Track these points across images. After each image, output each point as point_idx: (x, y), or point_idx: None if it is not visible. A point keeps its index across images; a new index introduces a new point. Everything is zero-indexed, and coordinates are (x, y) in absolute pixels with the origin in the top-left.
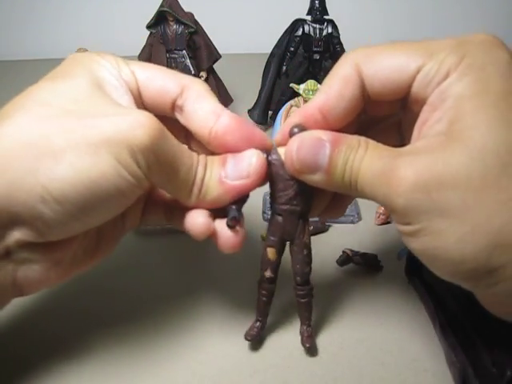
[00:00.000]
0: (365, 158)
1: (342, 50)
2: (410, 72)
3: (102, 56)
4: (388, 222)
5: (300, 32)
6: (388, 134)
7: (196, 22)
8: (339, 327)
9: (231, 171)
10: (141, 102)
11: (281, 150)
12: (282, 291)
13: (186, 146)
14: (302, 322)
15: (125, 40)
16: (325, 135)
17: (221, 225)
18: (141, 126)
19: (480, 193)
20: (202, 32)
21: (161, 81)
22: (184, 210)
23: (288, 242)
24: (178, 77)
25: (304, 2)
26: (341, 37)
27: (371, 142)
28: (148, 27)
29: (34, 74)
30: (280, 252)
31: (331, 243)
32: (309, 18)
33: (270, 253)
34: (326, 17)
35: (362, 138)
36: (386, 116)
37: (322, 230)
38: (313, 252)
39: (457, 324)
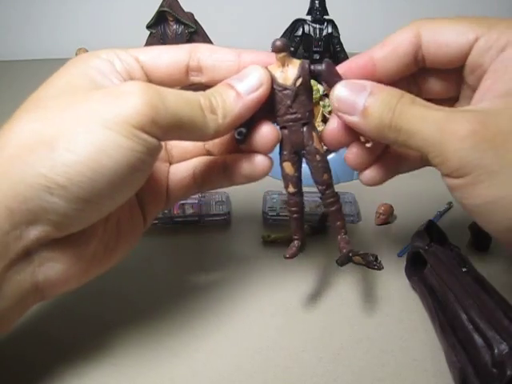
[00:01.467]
0: (410, 105)
1: (342, 50)
2: (468, 40)
3: (98, 54)
4: (388, 222)
5: (300, 32)
6: None
7: (196, 22)
8: (339, 327)
9: (242, 87)
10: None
11: (270, 67)
12: (281, 291)
13: (184, 91)
14: (338, 231)
15: (125, 40)
16: (367, 82)
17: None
18: (132, 94)
19: None
20: (201, 32)
21: (167, 54)
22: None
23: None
24: (181, 45)
25: (304, 2)
26: (341, 37)
27: (418, 98)
28: (148, 27)
29: (34, 74)
30: (296, 165)
31: (331, 243)
32: (309, 18)
33: (287, 167)
34: (326, 17)
35: (407, 93)
36: (441, 90)
37: (322, 229)
38: (313, 252)
39: (457, 324)
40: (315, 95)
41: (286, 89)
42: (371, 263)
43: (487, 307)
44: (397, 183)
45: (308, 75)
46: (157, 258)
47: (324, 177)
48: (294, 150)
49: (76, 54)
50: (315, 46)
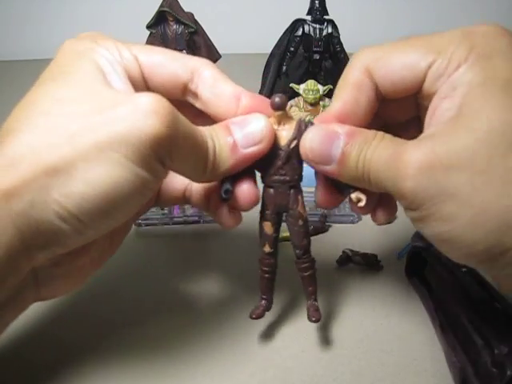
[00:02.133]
0: (377, 148)
1: (342, 50)
2: (420, 70)
3: (100, 43)
4: (388, 222)
5: (300, 32)
6: (408, 131)
7: (196, 22)
8: (339, 327)
9: (241, 138)
10: (145, 87)
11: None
12: (281, 291)
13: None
14: (308, 296)
15: (125, 40)
16: (340, 128)
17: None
18: (152, 114)
19: (487, 174)
20: (201, 32)
21: (168, 68)
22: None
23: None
24: (186, 60)
25: (304, 2)
26: (341, 37)
27: (388, 135)
28: (148, 27)
29: (34, 74)
30: (276, 225)
31: (331, 243)
32: (309, 17)
33: (266, 227)
34: (326, 17)
35: (379, 132)
36: (403, 114)
37: (322, 229)
38: (313, 252)
39: (457, 324)
40: (315, 95)
41: (279, 149)
42: (371, 263)
43: (487, 307)
44: None
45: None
46: (157, 258)
47: (303, 242)
48: (277, 210)
49: None
50: (315, 46)
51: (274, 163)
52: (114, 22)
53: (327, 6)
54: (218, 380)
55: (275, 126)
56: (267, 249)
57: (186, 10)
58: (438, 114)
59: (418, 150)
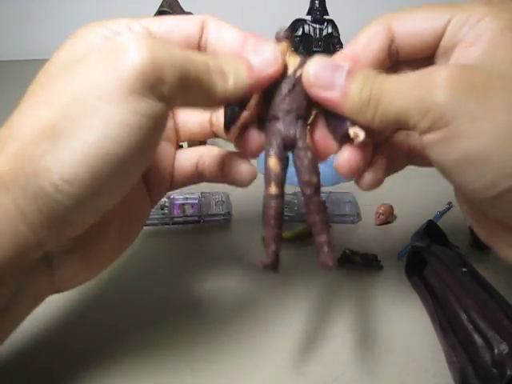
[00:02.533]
0: (388, 78)
1: None
2: (441, 22)
3: (106, 23)
4: (388, 222)
5: (300, 32)
6: None
7: None
8: (339, 327)
9: (257, 61)
10: None
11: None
12: (281, 290)
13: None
14: (321, 248)
15: None
16: (343, 62)
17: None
18: (132, 50)
19: None
20: None
21: (179, 28)
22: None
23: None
24: (194, 18)
25: (304, 2)
26: (341, 37)
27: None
28: None
29: (34, 74)
30: (283, 162)
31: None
32: (309, 18)
33: (272, 162)
34: (326, 17)
35: (382, 72)
36: None
37: None
38: (313, 252)
39: (457, 324)
40: None
41: (285, 77)
42: (371, 263)
43: (487, 307)
44: (397, 183)
45: None
46: (157, 258)
47: (313, 179)
48: (283, 144)
49: None
50: (315, 46)
51: (281, 91)
52: None
53: (327, 6)
54: (218, 379)
55: None
56: (273, 190)
57: (185, 9)
58: (464, 54)
59: (455, 67)
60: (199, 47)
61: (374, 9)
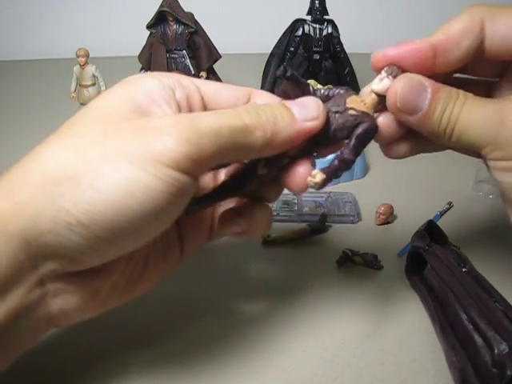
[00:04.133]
0: (466, 105)
1: (342, 50)
2: None
3: (155, 75)
4: (388, 222)
5: (300, 32)
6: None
7: (196, 22)
8: (339, 327)
9: (299, 113)
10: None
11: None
12: (281, 292)
13: (224, 110)
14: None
15: (125, 40)
16: (426, 81)
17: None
18: (165, 132)
19: None
20: (202, 32)
21: (227, 92)
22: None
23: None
24: (242, 88)
25: (304, 2)
26: (341, 37)
27: (470, 94)
28: (148, 27)
29: (34, 74)
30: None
31: (331, 243)
32: (309, 17)
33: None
34: (326, 17)
35: (461, 91)
36: (484, 74)
37: (322, 230)
38: (313, 252)
39: (457, 324)
40: None
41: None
42: (371, 263)
43: (487, 307)
44: (397, 183)
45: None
46: None
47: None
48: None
49: (76, 54)
50: (315, 46)
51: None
52: (114, 22)
53: (327, 6)
54: (218, 380)
55: None
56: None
57: (186, 9)
58: None
59: None
60: None
61: (373, 9)
